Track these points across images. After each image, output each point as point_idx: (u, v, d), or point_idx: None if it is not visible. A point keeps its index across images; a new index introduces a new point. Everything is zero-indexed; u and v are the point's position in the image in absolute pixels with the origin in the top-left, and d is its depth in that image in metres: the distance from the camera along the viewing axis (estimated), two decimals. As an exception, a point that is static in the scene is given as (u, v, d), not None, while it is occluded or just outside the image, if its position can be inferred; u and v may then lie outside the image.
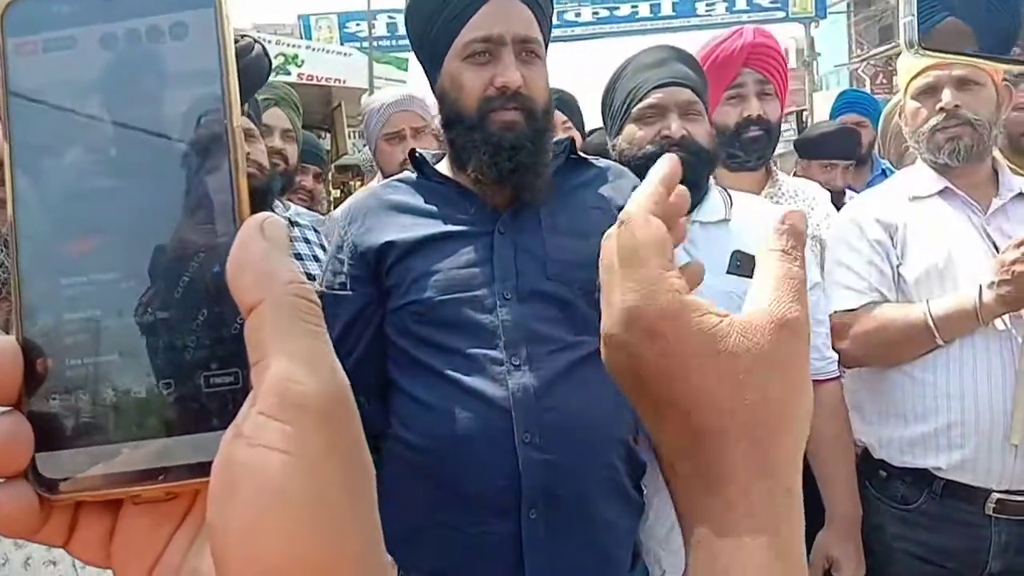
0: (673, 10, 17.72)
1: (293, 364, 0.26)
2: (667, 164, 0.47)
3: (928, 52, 0.62)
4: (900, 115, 1.83)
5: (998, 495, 1.56)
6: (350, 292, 1.29)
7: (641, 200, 0.44)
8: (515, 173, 1.24)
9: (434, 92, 1.34)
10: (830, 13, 19.36)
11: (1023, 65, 0.69)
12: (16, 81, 0.30)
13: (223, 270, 0.28)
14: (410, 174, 1.39)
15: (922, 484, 1.63)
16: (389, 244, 1.26)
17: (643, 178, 1.69)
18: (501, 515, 1.18)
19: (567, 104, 2.94)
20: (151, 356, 0.29)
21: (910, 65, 1.77)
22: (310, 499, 0.26)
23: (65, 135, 0.30)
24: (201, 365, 0.29)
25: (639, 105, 1.58)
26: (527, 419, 1.18)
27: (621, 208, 1.50)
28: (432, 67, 1.31)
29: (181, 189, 0.30)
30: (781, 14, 17.90)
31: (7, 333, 0.92)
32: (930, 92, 1.68)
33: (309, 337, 0.27)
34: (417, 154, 1.38)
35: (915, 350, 1.61)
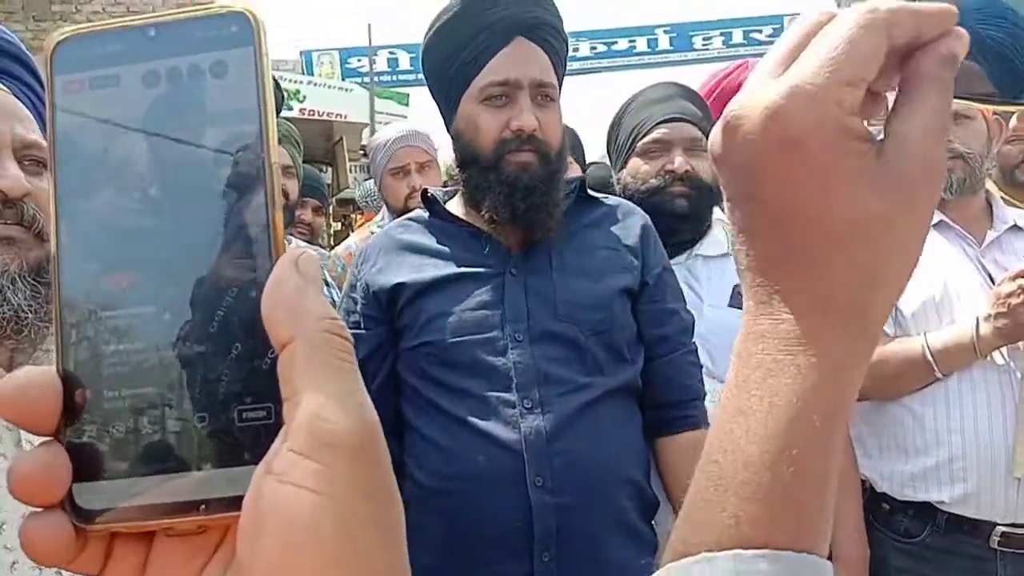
0: (670, 44, 17.93)
1: (324, 401, 0.27)
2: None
3: None
4: None
5: (1003, 528, 1.55)
6: (364, 331, 1.30)
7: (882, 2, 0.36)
8: (528, 213, 1.26)
9: (448, 131, 1.36)
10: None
11: (997, 105, 0.70)
12: (63, 117, 0.31)
13: (258, 305, 0.29)
14: (422, 213, 1.40)
15: (925, 517, 1.62)
16: (401, 285, 1.28)
17: (647, 211, 1.71)
18: (515, 557, 1.18)
19: (568, 138, 2.98)
20: (186, 389, 0.30)
21: None
22: (338, 537, 0.26)
23: (108, 171, 0.31)
24: (234, 399, 0.30)
25: (644, 140, 1.60)
26: (539, 462, 1.18)
27: (629, 247, 1.51)
28: (448, 107, 1.33)
29: (219, 225, 0.31)
30: (777, 47, 18.11)
31: (8, 372, 0.93)
32: None
33: (340, 374, 0.28)
34: (429, 193, 1.40)
35: (915, 383, 1.61)
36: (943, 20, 0.37)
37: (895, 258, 0.37)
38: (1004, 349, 1.55)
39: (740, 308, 1.61)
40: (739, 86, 1.82)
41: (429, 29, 1.33)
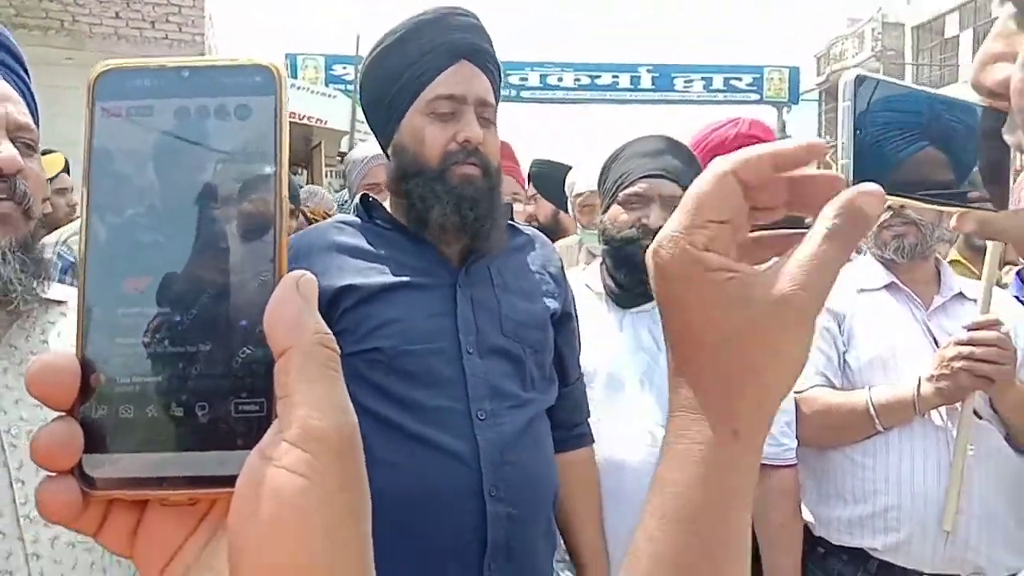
0: (652, 84, 18.25)
1: (314, 403, 0.31)
2: (798, 145, 0.48)
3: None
4: None
5: None
6: None
7: (733, 155, 0.46)
8: (476, 223, 1.29)
9: (385, 145, 1.38)
10: (802, 99, 20.08)
11: (949, 208, 0.77)
12: (99, 138, 0.35)
13: (261, 316, 0.33)
14: (355, 217, 1.40)
15: (858, 563, 1.69)
16: (348, 288, 1.25)
17: (621, 258, 1.78)
18: (464, 568, 1.20)
19: (543, 176, 3.12)
20: (191, 381, 0.34)
21: None
22: (321, 519, 0.30)
23: (135, 189, 0.35)
24: (233, 393, 0.34)
25: (626, 191, 1.65)
26: (494, 473, 1.21)
27: (552, 275, 1.54)
28: (389, 121, 1.35)
29: (232, 246, 0.35)
30: (756, 96, 18.54)
31: None
32: None
33: (329, 381, 0.32)
34: (371, 198, 1.41)
35: (856, 434, 1.68)
36: (803, 153, 0.47)
37: (764, 369, 0.43)
38: (943, 409, 1.64)
39: None
40: (727, 140, 1.87)
41: (375, 48, 1.36)
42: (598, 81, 18.21)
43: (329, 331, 0.34)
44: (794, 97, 18.44)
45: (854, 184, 0.68)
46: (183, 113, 0.35)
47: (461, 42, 1.32)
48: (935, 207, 0.76)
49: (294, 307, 0.33)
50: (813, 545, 1.76)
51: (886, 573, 1.66)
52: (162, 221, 0.35)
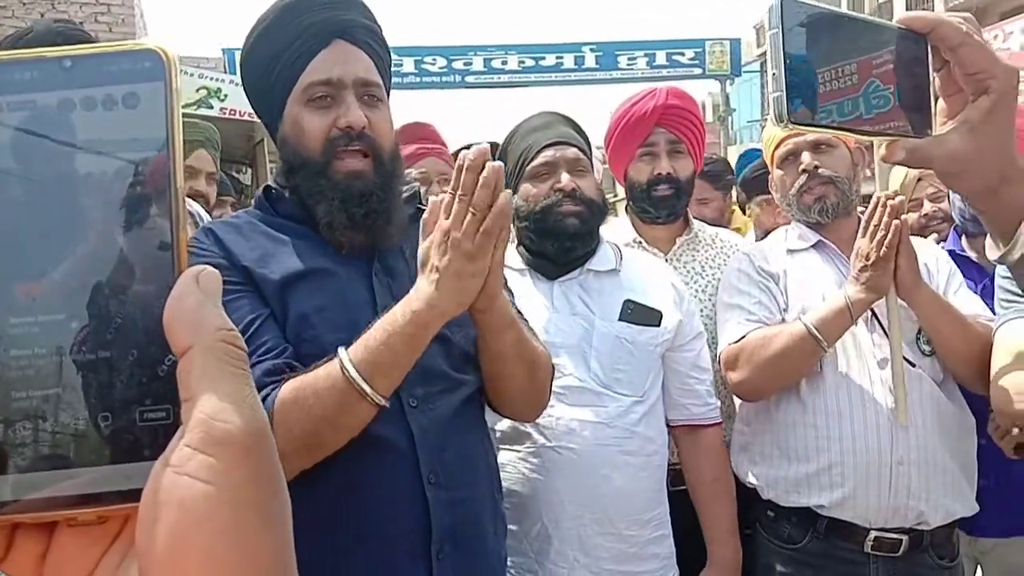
0: (596, 63, 18.28)
1: (218, 403, 0.30)
2: None
3: (796, 124, 0.71)
4: (770, 185, 1.96)
5: (875, 533, 1.65)
6: (242, 290, 1.18)
7: None
8: (367, 218, 1.22)
9: (275, 140, 1.31)
10: (744, 72, 20.30)
11: (876, 137, 0.77)
12: None
13: (161, 316, 0.32)
14: (256, 210, 1.32)
15: (807, 523, 1.71)
16: (264, 276, 1.18)
17: (542, 231, 1.75)
18: (412, 559, 1.18)
19: None
20: (91, 391, 0.32)
21: (770, 137, 1.91)
22: (229, 523, 0.29)
23: (21, 189, 0.33)
24: (136, 401, 0.32)
25: (532, 164, 1.65)
26: (431, 460, 1.19)
27: None
28: (273, 115, 1.28)
29: (126, 241, 0.33)
30: (699, 71, 18.68)
31: None
32: (791, 158, 1.82)
33: (233, 380, 0.31)
34: (274, 190, 1.32)
35: (802, 361, 1.67)
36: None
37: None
38: (880, 358, 1.66)
39: (629, 321, 1.70)
40: (646, 113, 1.89)
41: (246, 40, 1.29)
42: (542, 62, 18.18)
43: (233, 327, 0.32)
44: (736, 70, 18.62)
45: (787, 115, 0.68)
46: (67, 105, 0.34)
47: (332, 21, 1.24)
48: (857, 136, 0.76)
49: (194, 302, 0.32)
50: (763, 510, 1.78)
51: (834, 531, 1.68)
52: (51, 222, 0.33)
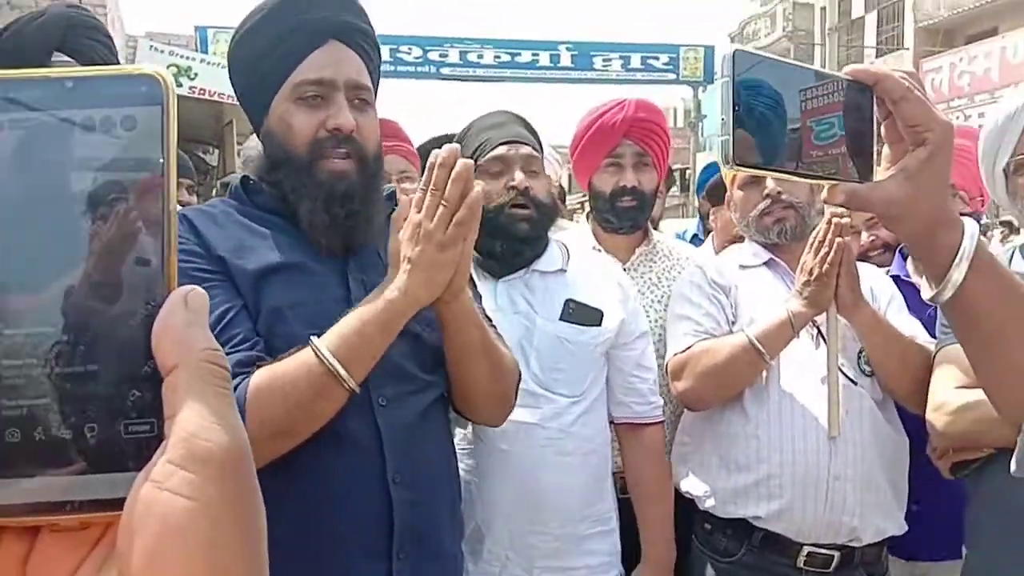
0: (572, 62, 18.33)
1: (201, 421, 0.31)
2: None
3: (740, 167, 0.74)
4: (728, 205, 1.99)
5: (808, 548, 1.68)
6: (217, 279, 1.17)
7: None
8: (348, 219, 1.23)
9: (258, 134, 1.30)
10: (717, 79, 20.44)
11: (819, 181, 0.81)
12: None
13: (149, 334, 0.33)
14: (232, 200, 1.31)
15: (742, 536, 1.73)
16: (239, 267, 1.18)
17: (492, 230, 1.74)
18: (372, 558, 1.18)
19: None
20: (78, 403, 0.33)
21: None
22: (206, 537, 0.30)
23: (23, 204, 0.34)
24: (122, 414, 0.34)
25: (485, 159, 1.65)
26: (396, 459, 1.19)
27: None
28: (258, 108, 1.27)
29: (119, 260, 0.34)
30: (672, 76, 18.84)
31: None
32: (754, 182, 1.84)
33: (216, 398, 0.32)
34: (252, 181, 1.31)
35: (744, 372, 1.70)
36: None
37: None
38: (821, 373, 1.69)
39: (570, 321, 1.70)
40: (615, 124, 1.90)
41: (239, 28, 1.27)
42: (518, 59, 18.17)
43: (219, 347, 0.34)
44: (709, 77, 18.79)
45: (732, 159, 0.71)
46: (67, 125, 0.35)
47: (329, 20, 1.23)
48: (808, 181, 0.80)
49: (181, 321, 0.33)
50: (701, 522, 1.80)
51: (769, 545, 1.70)
52: (46, 237, 0.34)
